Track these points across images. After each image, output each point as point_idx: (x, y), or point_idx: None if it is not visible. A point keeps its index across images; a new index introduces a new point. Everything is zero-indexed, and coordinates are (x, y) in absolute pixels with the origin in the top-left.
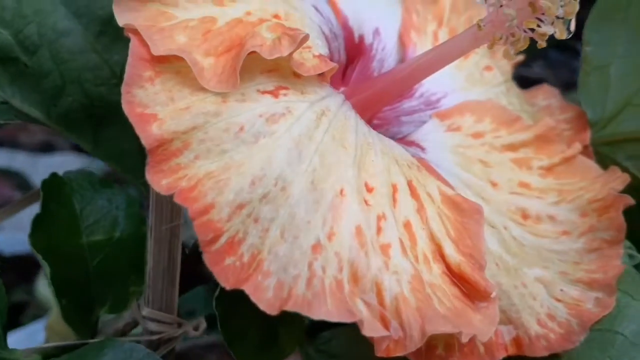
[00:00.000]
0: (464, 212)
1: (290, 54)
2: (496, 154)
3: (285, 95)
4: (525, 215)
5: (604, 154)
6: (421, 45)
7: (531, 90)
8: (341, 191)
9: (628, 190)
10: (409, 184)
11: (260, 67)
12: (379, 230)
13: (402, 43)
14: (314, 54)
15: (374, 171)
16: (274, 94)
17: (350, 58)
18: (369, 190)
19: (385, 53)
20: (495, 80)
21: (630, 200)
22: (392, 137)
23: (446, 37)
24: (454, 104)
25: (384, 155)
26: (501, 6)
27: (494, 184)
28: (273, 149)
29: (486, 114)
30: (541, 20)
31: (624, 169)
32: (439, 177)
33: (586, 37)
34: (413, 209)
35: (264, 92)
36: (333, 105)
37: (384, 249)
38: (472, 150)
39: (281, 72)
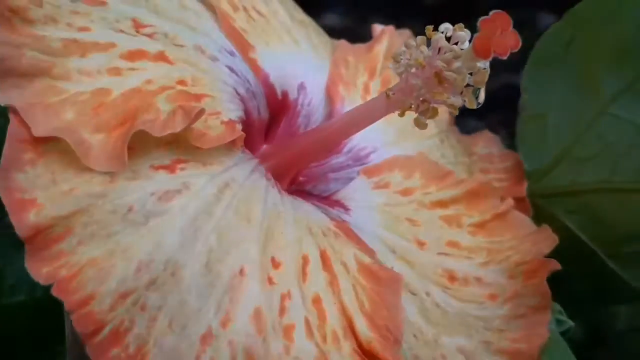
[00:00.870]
0: (381, 281)
1: (187, 128)
2: (425, 212)
3: (183, 169)
4: (452, 278)
5: (541, 206)
6: (350, 99)
7: (473, 136)
8: (241, 271)
9: (565, 246)
10: (322, 255)
11: (157, 140)
12: (282, 310)
13: (330, 97)
14: (223, 120)
15: (283, 244)
16: (171, 168)
17: (274, 115)
18: (276, 265)
19: (311, 108)
20: (429, 132)
21: (556, 266)
22: (319, 195)
23: (378, 89)
24: (383, 158)
25: (297, 224)
26: (409, 76)
27: (421, 244)
28: (164, 230)
29: (416, 169)
30: (449, 91)
31: (561, 224)
32: (359, 242)
33: (524, 83)
34: (324, 283)
35: (158, 168)
36: (240, 175)
37: (287, 331)
38: (399, 208)
39: (181, 144)
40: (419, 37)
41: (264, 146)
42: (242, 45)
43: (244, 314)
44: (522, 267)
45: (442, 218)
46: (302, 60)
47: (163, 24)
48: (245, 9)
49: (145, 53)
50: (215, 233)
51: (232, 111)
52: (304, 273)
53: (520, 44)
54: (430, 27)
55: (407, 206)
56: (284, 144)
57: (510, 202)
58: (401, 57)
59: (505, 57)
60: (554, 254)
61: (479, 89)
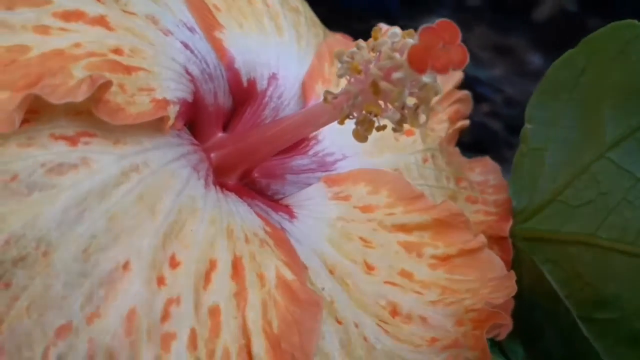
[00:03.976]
0: (300, 302)
1: (96, 99)
2: (384, 234)
3: (86, 143)
4: (394, 312)
5: (522, 250)
6: None
7: (471, 160)
8: (125, 264)
9: (542, 298)
10: (235, 262)
11: (66, 108)
12: (165, 316)
13: (305, 93)
14: (155, 97)
15: (189, 242)
16: (72, 140)
17: (239, 103)
18: (174, 265)
19: (281, 101)
20: (412, 148)
21: (504, 320)
22: (270, 196)
23: None
24: (351, 168)
25: (213, 224)
26: (350, 81)
27: (369, 268)
28: (44, 206)
29: (384, 186)
30: (386, 104)
31: (540, 273)
32: (289, 254)
33: (529, 113)
34: (230, 293)
35: (59, 138)
36: (156, 160)
37: (165, 339)
38: (355, 225)
39: (94, 116)
40: (370, 40)
41: (220, 134)
42: (208, 23)
43: (117, 313)
44: (471, 315)
45: (401, 244)
46: (280, 49)
47: None
48: None
49: (83, 14)
50: (105, 218)
51: (172, 90)
52: (206, 279)
53: (467, 61)
54: (380, 29)
55: (365, 224)
56: (239, 135)
57: (482, 239)
58: (345, 58)
59: (445, 74)
60: (530, 304)
61: (423, 106)
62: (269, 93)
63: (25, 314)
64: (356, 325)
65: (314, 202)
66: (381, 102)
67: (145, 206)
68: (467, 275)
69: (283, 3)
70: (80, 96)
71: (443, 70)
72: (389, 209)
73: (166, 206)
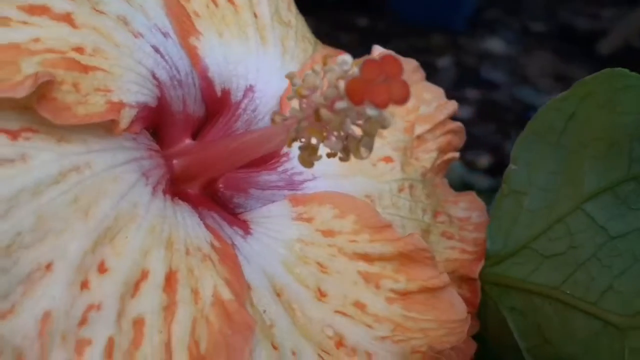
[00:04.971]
0: (233, 324)
1: (40, 97)
2: (343, 261)
3: (27, 139)
4: (340, 343)
5: (489, 294)
6: None
7: (457, 194)
8: (48, 265)
9: (503, 347)
10: (169, 275)
11: (13, 102)
12: (83, 321)
13: (282, 109)
14: (110, 99)
15: (121, 250)
16: (14, 135)
17: (211, 113)
18: (102, 270)
19: (255, 115)
20: (390, 175)
21: None
22: (233, 209)
23: None
24: (319, 190)
25: (152, 233)
26: (299, 104)
27: (322, 294)
28: None
29: (352, 212)
30: (326, 132)
31: (503, 320)
32: (232, 272)
33: (515, 152)
34: (158, 306)
35: (0, 131)
36: (101, 162)
37: (80, 345)
38: (314, 248)
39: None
40: (324, 65)
41: (187, 141)
42: (184, 29)
43: (31, 313)
44: (415, 357)
45: (361, 273)
46: (262, 61)
47: None
48: None
49: (49, 10)
50: (34, 216)
51: (133, 93)
52: (135, 288)
53: (409, 98)
54: (332, 56)
55: (324, 249)
56: (205, 144)
57: (445, 278)
58: (295, 80)
59: (383, 109)
60: (493, 352)
61: (366, 138)
62: (243, 105)
63: None
64: (293, 353)
65: (275, 220)
66: (324, 130)
67: (78, 209)
68: (424, 314)
69: (274, 15)
70: (21, 92)
71: (382, 104)
72: (353, 236)
73: (102, 210)
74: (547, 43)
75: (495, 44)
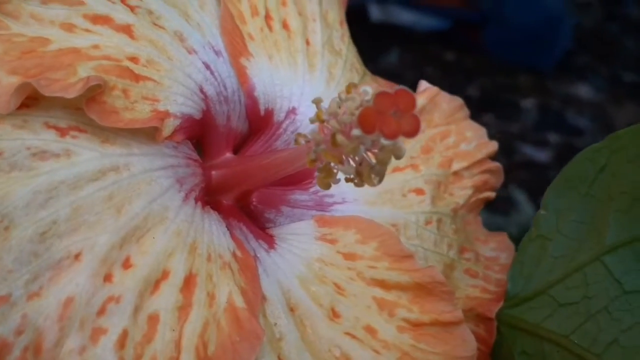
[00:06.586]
0: (242, 331)
1: (90, 99)
2: (360, 285)
3: (74, 137)
4: None
5: (504, 335)
6: None
7: (490, 234)
8: (77, 255)
9: None
10: (189, 277)
11: (65, 102)
12: (102, 311)
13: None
14: (156, 108)
15: (147, 248)
16: (63, 131)
17: (253, 129)
18: (127, 266)
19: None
20: (418, 207)
21: None
22: (263, 223)
23: None
24: (347, 214)
25: (178, 236)
26: (320, 128)
27: (334, 315)
28: (18, 186)
29: (375, 238)
30: (341, 157)
31: None
32: (250, 282)
33: (546, 198)
34: (173, 305)
35: (50, 127)
36: (139, 165)
37: (95, 332)
38: (333, 270)
39: None
40: (347, 93)
41: (228, 155)
42: (236, 49)
43: (55, 298)
44: None
45: (376, 299)
46: (307, 87)
47: (154, 2)
48: (268, 17)
49: (111, 20)
50: (71, 208)
51: (179, 105)
52: (155, 286)
53: (418, 132)
54: (356, 85)
55: (343, 271)
56: (243, 158)
57: (459, 314)
58: (320, 105)
59: (393, 140)
60: None
61: (378, 166)
62: (284, 125)
63: None
64: None
65: (299, 238)
66: (340, 154)
67: (112, 205)
68: (433, 347)
69: (326, 44)
70: (72, 93)
71: (391, 135)
72: (372, 262)
73: (134, 210)
74: (638, 94)
75: (583, 90)
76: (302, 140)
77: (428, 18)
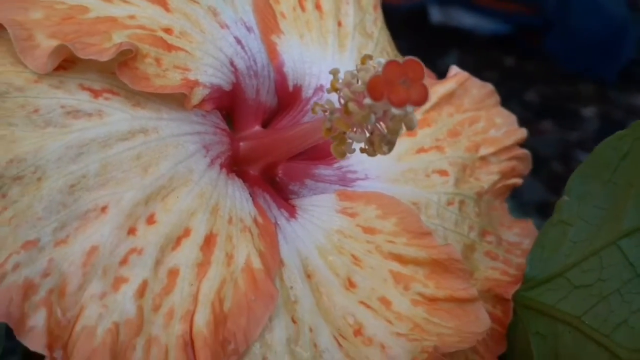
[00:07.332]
0: (258, 291)
1: (122, 64)
2: (378, 258)
3: (107, 99)
4: (358, 332)
5: (519, 317)
6: None
7: (514, 220)
8: (104, 208)
9: None
10: (209, 236)
11: (101, 65)
12: (124, 261)
13: None
14: (187, 77)
15: (171, 207)
16: (96, 93)
17: (282, 104)
18: (151, 222)
19: None
20: (441, 188)
21: None
22: (287, 195)
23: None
24: (368, 190)
25: (201, 198)
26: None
27: (350, 284)
28: (52, 140)
29: (395, 214)
30: (352, 125)
31: (528, 343)
32: (269, 247)
33: (569, 185)
34: (194, 261)
35: (84, 88)
36: (168, 129)
37: (117, 281)
38: (351, 242)
39: None
40: (362, 64)
41: (256, 127)
42: (268, 26)
43: (81, 246)
44: (423, 356)
45: (392, 273)
46: (335, 65)
47: None
48: None
49: None
50: (100, 164)
51: (209, 76)
52: (177, 242)
53: (426, 100)
54: (371, 57)
55: (362, 244)
56: (270, 131)
57: (474, 292)
58: (337, 75)
59: (400, 109)
60: None
61: (389, 136)
62: (311, 102)
63: (7, 222)
64: (310, 330)
65: (320, 210)
66: (348, 122)
67: (140, 165)
68: (446, 322)
69: (357, 26)
70: (105, 57)
71: (399, 104)
72: (391, 237)
73: (160, 170)
74: None
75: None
76: (318, 110)
77: (489, 22)
